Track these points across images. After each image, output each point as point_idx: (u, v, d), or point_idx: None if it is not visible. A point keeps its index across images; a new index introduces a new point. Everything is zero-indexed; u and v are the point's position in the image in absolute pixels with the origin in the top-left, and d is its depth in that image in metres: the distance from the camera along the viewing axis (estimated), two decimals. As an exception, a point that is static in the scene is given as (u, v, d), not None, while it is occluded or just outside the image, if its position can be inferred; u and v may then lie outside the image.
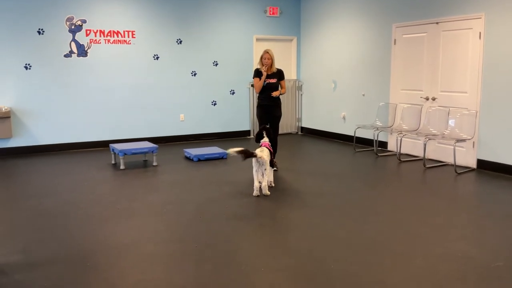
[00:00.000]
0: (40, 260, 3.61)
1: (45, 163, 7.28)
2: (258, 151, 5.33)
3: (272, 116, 6.55)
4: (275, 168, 6.34)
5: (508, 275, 3.31)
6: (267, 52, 6.46)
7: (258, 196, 5.31)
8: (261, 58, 6.51)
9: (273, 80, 6.50)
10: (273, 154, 5.88)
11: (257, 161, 5.29)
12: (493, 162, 6.44)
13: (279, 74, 6.57)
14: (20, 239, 4.08)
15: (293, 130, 10.55)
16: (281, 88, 6.59)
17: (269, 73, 6.47)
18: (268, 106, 6.54)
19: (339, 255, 3.69)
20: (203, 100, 9.49)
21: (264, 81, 6.47)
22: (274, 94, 6.44)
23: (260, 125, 6.53)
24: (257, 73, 6.57)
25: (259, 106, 6.62)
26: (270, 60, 6.44)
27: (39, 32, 7.93)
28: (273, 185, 5.77)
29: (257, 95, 6.73)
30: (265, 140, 5.78)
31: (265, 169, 5.31)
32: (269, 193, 5.38)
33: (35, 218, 4.64)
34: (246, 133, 10.01)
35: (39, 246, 3.90)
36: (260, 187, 5.36)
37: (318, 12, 9.74)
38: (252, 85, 9.80)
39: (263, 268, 3.43)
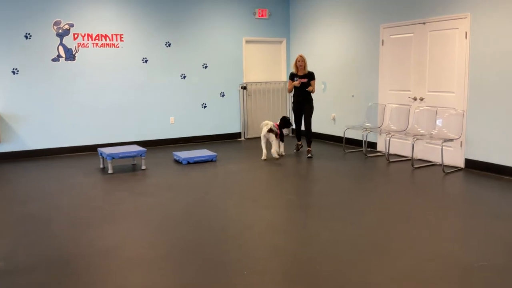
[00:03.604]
0: (22, 266, 3.58)
1: (33, 168, 7.24)
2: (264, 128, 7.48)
3: (305, 109, 7.85)
4: (309, 155, 7.78)
5: (492, 274, 3.32)
6: (301, 55, 7.76)
7: (265, 160, 7.52)
8: (295, 61, 7.75)
9: (305, 80, 7.72)
10: (309, 143, 7.91)
11: (264, 136, 7.50)
12: (480, 162, 6.46)
13: (310, 75, 7.77)
14: (3, 244, 4.05)
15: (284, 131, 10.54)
16: (311, 86, 7.75)
17: (301, 74, 7.71)
18: (301, 102, 7.88)
19: (325, 256, 3.68)
20: (193, 103, 9.48)
21: (297, 80, 7.70)
22: (309, 89, 7.72)
23: (295, 117, 8.09)
24: (291, 76, 7.87)
25: (294, 102, 8.02)
26: (303, 62, 7.69)
27: (26, 37, 7.89)
28: (283, 154, 7.84)
29: (290, 94, 8.47)
30: (277, 122, 7.75)
31: (272, 140, 7.44)
32: (277, 156, 7.51)
33: (20, 223, 4.60)
34: (237, 135, 10.00)
35: (22, 252, 3.86)
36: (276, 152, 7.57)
37: (307, 14, 9.75)
38: (242, 87, 9.82)
39: (245, 272, 3.42)
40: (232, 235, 4.19)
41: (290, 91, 8.00)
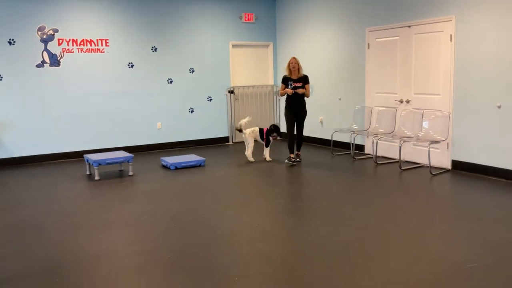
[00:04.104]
0: (9, 275, 3.51)
1: (18, 176, 7.13)
2: (247, 130, 7.67)
3: (298, 115, 7.47)
4: (298, 159, 7.57)
5: (481, 275, 3.34)
6: (294, 58, 7.38)
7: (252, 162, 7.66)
8: (288, 64, 7.35)
9: (299, 84, 7.30)
10: (299, 147, 7.63)
11: (243, 137, 7.72)
12: (467, 163, 6.52)
13: (304, 79, 7.37)
14: (-12, 255, 3.97)
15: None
16: (305, 90, 7.36)
17: (295, 77, 7.31)
18: (294, 107, 7.41)
19: (314, 261, 3.67)
20: (180, 108, 9.43)
21: (290, 84, 7.30)
22: (299, 91, 7.27)
23: (287, 123, 7.50)
24: (284, 80, 7.44)
25: (287, 107, 7.50)
26: (297, 65, 7.28)
27: (10, 43, 7.78)
28: (270, 159, 7.73)
29: (280, 97, 8.04)
30: (267, 128, 7.75)
31: (248, 143, 7.63)
32: (251, 160, 7.68)
33: (6, 232, 4.51)
34: (225, 139, 9.97)
35: (9, 261, 3.79)
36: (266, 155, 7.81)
37: (293, 17, 9.78)
38: (230, 92, 9.80)
39: (236, 278, 3.39)
40: (222, 241, 4.16)
41: (281, 96, 7.63)
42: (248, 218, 4.81)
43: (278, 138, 7.72)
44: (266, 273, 3.47)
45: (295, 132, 7.53)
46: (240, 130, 7.72)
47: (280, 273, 3.47)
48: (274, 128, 7.69)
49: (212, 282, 3.32)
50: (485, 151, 6.27)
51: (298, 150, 7.63)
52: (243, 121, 7.70)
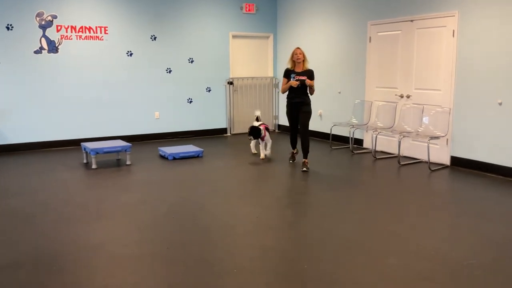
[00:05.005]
0: (4, 264, 3.47)
1: (14, 163, 7.07)
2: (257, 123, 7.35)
3: (301, 112, 6.49)
4: (305, 168, 6.47)
5: (480, 272, 3.32)
6: (299, 48, 6.49)
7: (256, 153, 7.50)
8: (292, 55, 6.47)
9: (304, 77, 6.37)
10: (305, 153, 6.54)
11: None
12: (466, 159, 6.51)
13: (310, 73, 6.44)
14: (-17, 242, 3.93)
15: (270, 127, 10.49)
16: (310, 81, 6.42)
17: (299, 70, 6.43)
18: (297, 103, 6.49)
19: (313, 254, 3.65)
20: (179, 98, 9.36)
21: (293, 77, 6.41)
22: (307, 82, 6.31)
23: (289, 123, 6.73)
24: (286, 73, 6.53)
25: (289, 105, 6.60)
26: (302, 56, 6.40)
27: (7, 28, 7.68)
28: (269, 154, 7.30)
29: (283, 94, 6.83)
30: (262, 124, 7.22)
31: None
32: (254, 151, 7.54)
33: (2, 220, 4.46)
34: (223, 131, 9.92)
35: (3, 249, 3.75)
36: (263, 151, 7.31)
37: (294, 9, 9.70)
38: (229, 83, 9.73)
39: (235, 270, 3.37)
40: (220, 233, 4.13)
41: (284, 92, 6.58)
42: (247, 210, 4.78)
43: (252, 138, 7.09)
44: (265, 266, 3.44)
45: (298, 135, 6.68)
46: (257, 120, 7.52)
47: (279, 266, 3.45)
48: (249, 130, 7.05)
49: (210, 274, 3.29)
50: (485, 148, 6.26)
51: (305, 156, 6.53)
52: (258, 113, 7.65)
